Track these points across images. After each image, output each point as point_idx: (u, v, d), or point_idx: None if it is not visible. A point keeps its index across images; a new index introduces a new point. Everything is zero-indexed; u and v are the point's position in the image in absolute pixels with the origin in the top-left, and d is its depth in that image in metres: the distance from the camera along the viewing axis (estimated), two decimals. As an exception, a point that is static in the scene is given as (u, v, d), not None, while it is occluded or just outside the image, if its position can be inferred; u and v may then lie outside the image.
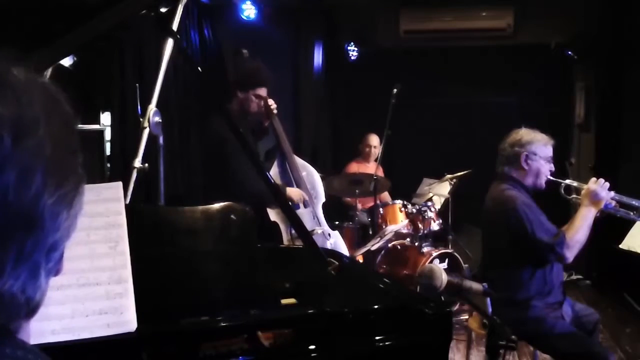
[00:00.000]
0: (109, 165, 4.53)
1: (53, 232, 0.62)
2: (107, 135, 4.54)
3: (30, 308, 0.62)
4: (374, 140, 5.47)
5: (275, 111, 3.61)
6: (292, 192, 3.55)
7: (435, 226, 4.82)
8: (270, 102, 3.61)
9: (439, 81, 6.61)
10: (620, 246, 2.80)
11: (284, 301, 1.68)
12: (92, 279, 1.37)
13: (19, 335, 0.63)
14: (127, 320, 1.36)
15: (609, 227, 2.89)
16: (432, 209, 4.83)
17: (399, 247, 4.72)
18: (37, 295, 0.62)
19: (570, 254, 2.56)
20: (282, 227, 3.47)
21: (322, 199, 3.85)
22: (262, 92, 3.50)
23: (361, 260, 4.30)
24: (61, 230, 0.63)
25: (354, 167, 5.55)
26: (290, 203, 3.28)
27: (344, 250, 3.81)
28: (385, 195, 5.34)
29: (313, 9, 5.93)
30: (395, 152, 6.22)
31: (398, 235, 4.70)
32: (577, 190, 2.76)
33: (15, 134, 0.56)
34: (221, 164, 3.33)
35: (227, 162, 3.25)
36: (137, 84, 3.54)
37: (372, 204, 4.88)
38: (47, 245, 0.61)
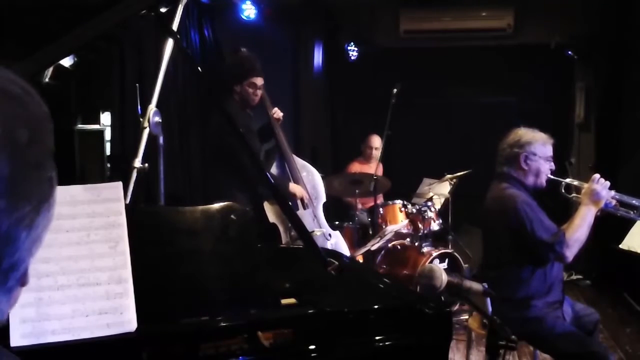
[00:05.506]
0: (109, 165, 4.53)
1: (9, 255, 0.57)
2: (107, 135, 4.54)
3: None
4: (376, 141, 5.46)
5: (280, 120, 3.63)
6: (295, 188, 3.55)
7: (435, 226, 4.82)
8: (277, 111, 3.63)
9: (439, 81, 6.61)
10: (620, 246, 2.80)
11: (284, 301, 1.68)
12: (92, 279, 1.37)
13: None
14: (127, 320, 1.36)
15: (609, 227, 2.89)
16: (432, 209, 4.83)
17: (399, 247, 4.72)
18: None
19: (570, 253, 2.56)
20: (281, 228, 3.47)
21: (323, 199, 3.85)
22: (257, 80, 3.50)
23: (361, 260, 4.30)
24: (20, 251, 0.58)
25: (356, 167, 5.56)
26: (290, 202, 3.29)
27: (345, 250, 3.81)
28: (379, 197, 5.33)
29: (313, 9, 5.93)
30: (395, 152, 6.22)
31: (398, 235, 4.69)
32: (578, 189, 2.76)
33: None
34: (230, 161, 3.32)
35: (238, 158, 3.24)
36: (137, 84, 3.54)
37: (372, 203, 4.89)
38: (3, 268, 0.57)
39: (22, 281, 0.61)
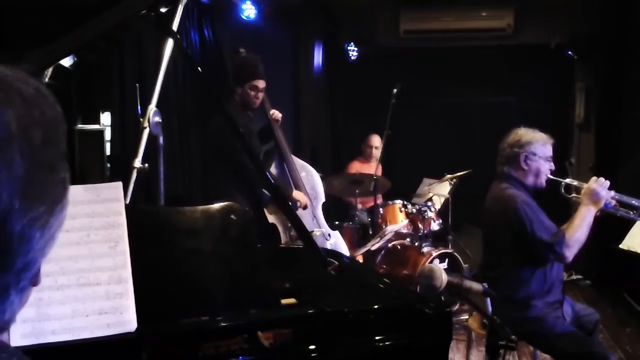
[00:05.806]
0: (109, 165, 4.52)
1: (23, 255, 0.57)
2: (107, 135, 4.53)
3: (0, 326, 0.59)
4: (376, 141, 5.47)
5: (279, 121, 3.64)
6: (298, 195, 3.55)
7: (435, 226, 4.82)
8: (276, 113, 3.63)
9: (439, 81, 6.61)
10: (620, 246, 2.80)
11: (284, 301, 1.68)
12: (92, 279, 1.37)
13: None
14: (127, 320, 1.36)
15: (609, 227, 2.89)
16: (432, 209, 4.83)
17: (399, 247, 4.72)
18: (7, 314, 0.59)
19: (570, 253, 2.56)
20: (280, 229, 3.47)
21: (322, 199, 3.86)
22: (259, 84, 3.49)
23: (361, 260, 4.30)
24: (34, 252, 0.58)
25: (356, 166, 5.56)
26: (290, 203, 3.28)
27: (344, 250, 3.81)
28: (379, 197, 5.33)
29: (313, 9, 5.92)
30: (395, 152, 6.22)
31: (398, 235, 4.69)
32: (577, 190, 2.76)
33: None
34: (230, 161, 3.32)
35: (238, 158, 3.23)
36: (137, 84, 3.54)
37: (372, 203, 4.89)
38: (16, 267, 0.57)
39: (34, 281, 0.62)
